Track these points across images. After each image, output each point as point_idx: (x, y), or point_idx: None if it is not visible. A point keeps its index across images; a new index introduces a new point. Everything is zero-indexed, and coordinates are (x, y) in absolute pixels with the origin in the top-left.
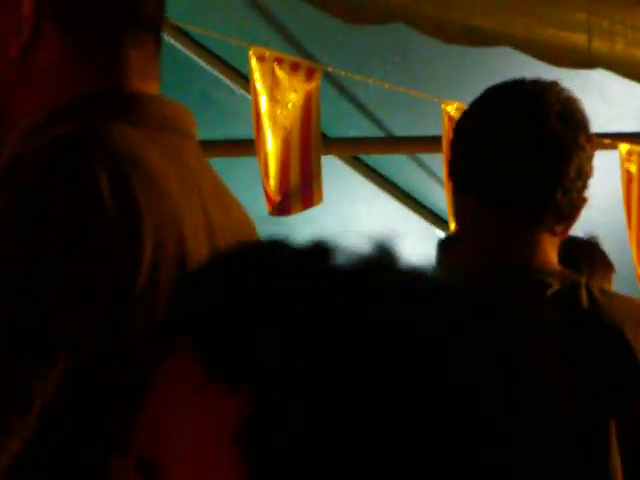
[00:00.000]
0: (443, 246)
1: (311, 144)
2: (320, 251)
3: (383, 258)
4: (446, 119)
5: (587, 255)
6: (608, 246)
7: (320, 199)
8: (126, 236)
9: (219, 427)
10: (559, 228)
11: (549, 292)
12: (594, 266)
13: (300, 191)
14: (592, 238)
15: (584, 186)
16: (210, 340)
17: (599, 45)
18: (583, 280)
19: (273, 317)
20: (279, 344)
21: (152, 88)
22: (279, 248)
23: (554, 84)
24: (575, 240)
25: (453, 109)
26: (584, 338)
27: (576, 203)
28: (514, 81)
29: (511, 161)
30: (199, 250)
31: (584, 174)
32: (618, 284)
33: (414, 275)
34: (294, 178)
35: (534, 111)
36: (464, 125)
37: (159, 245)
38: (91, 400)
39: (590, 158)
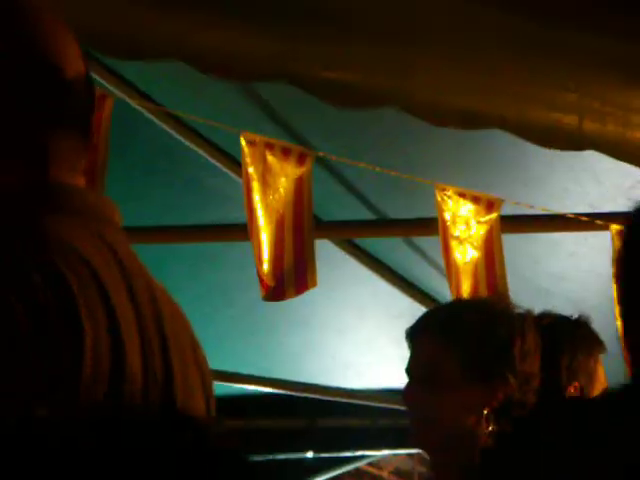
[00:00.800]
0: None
1: (304, 228)
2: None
3: None
4: (439, 201)
5: (570, 335)
6: (600, 326)
7: (314, 283)
8: (67, 327)
9: None
10: None
11: None
12: (578, 345)
13: (294, 276)
14: (581, 317)
15: None
16: None
17: (590, 126)
18: None
19: None
20: None
21: (79, 179)
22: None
23: None
24: (560, 320)
25: (446, 192)
26: None
27: None
28: None
29: None
30: (130, 336)
31: None
32: (610, 362)
33: None
34: (288, 263)
35: None
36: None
37: (97, 335)
38: None
39: None
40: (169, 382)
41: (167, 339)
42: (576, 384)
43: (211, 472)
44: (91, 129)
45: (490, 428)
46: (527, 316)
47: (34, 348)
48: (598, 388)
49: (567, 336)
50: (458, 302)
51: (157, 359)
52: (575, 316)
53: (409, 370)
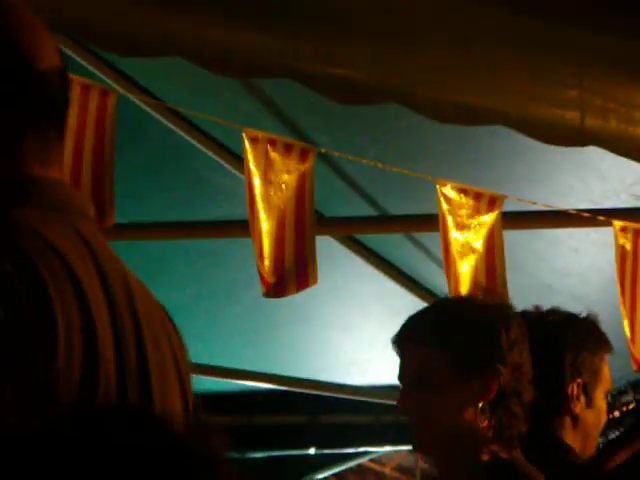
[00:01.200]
0: None
1: (305, 225)
2: None
3: None
4: (440, 198)
5: (576, 332)
6: (604, 323)
7: (315, 280)
8: (39, 313)
9: None
10: None
11: None
12: (583, 342)
13: (295, 272)
14: (589, 315)
15: None
16: None
17: (592, 122)
18: None
19: None
20: None
21: (52, 172)
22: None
23: None
24: (567, 317)
25: (448, 188)
26: None
27: None
28: None
29: None
30: (103, 327)
31: None
32: (614, 361)
33: None
34: (289, 259)
35: None
36: None
37: (69, 322)
38: None
39: None
40: (144, 369)
41: (142, 328)
42: (579, 380)
43: (170, 470)
44: (66, 122)
45: (487, 420)
46: (508, 305)
47: (6, 333)
48: (603, 387)
49: (573, 333)
50: (439, 304)
51: (131, 347)
52: (584, 314)
53: (401, 378)
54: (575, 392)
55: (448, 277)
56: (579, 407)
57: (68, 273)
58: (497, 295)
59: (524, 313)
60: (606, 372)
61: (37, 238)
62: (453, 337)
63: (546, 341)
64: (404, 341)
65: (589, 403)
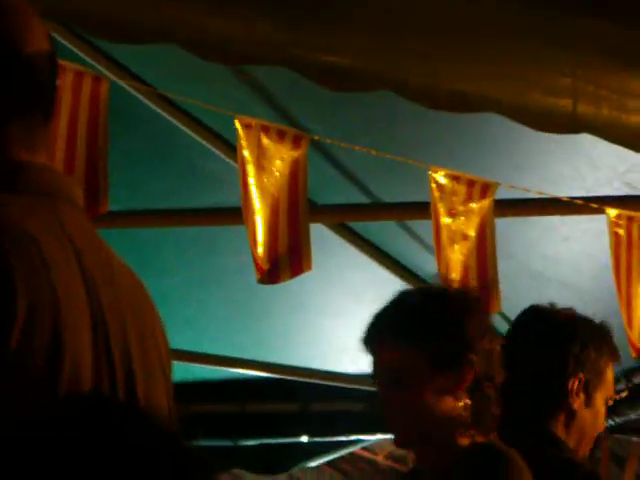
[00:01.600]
0: None
1: (299, 211)
2: None
3: None
4: (433, 185)
5: (587, 331)
6: (596, 311)
7: (309, 266)
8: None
9: None
10: None
11: None
12: (592, 342)
13: (289, 258)
14: (604, 322)
15: None
16: None
17: (584, 110)
18: None
19: None
20: None
21: (39, 157)
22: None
23: None
24: (581, 317)
25: (440, 175)
26: None
27: None
28: None
29: None
30: (77, 315)
31: None
32: None
33: None
34: (282, 245)
35: None
36: None
37: (33, 307)
38: None
39: None
40: (127, 361)
41: (125, 317)
42: (581, 375)
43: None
44: (55, 107)
45: (464, 407)
46: (471, 293)
47: None
48: (604, 391)
49: (584, 329)
50: (404, 299)
51: (113, 336)
52: (599, 320)
53: (375, 376)
54: (575, 387)
55: (439, 264)
56: (577, 403)
57: (42, 261)
58: (457, 283)
59: (537, 307)
60: (610, 378)
61: (8, 223)
62: (424, 334)
63: (556, 333)
64: (376, 340)
65: (588, 402)
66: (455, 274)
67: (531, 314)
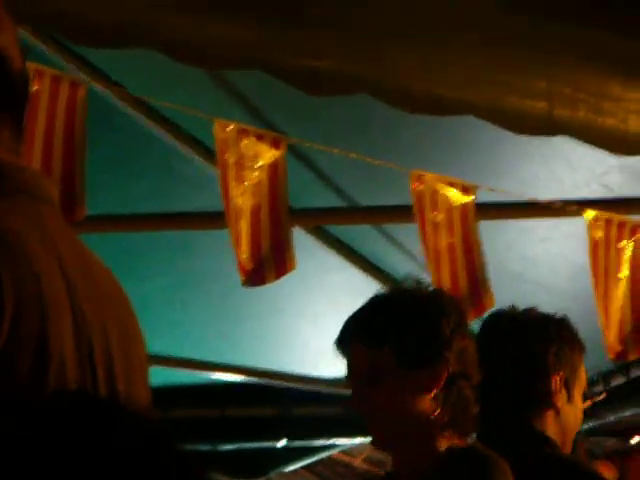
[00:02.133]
0: None
1: (280, 213)
2: None
3: None
4: (414, 188)
5: (557, 328)
6: (573, 312)
7: (293, 266)
8: None
9: None
10: None
11: None
12: (563, 338)
13: (273, 259)
14: (565, 317)
15: None
16: None
17: (561, 112)
18: None
19: None
20: None
21: (19, 159)
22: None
23: None
24: (545, 315)
25: (421, 178)
26: None
27: None
28: None
29: None
30: (60, 314)
31: None
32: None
33: None
34: (265, 247)
35: None
36: None
37: (19, 304)
38: None
39: None
40: (109, 362)
41: (104, 318)
42: (561, 373)
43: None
44: (25, 114)
45: (441, 407)
46: (442, 292)
47: None
48: (580, 386)
49: (555, 328)
50: (376, 300)
51: (95, 334)
52: (559, 315)
53: (349, 378)
54: (558, 385)
55: (430, 267)
56: (561, 401)
57: (25, 254)
58: (428, 283)
59: (500, 312)
60: (583, 372)
61: None
62: (396, 334)
63: (531, 333)
64: (348, 343)
65: (569, 398)
66: (445, 276)
67: (499, 317)
